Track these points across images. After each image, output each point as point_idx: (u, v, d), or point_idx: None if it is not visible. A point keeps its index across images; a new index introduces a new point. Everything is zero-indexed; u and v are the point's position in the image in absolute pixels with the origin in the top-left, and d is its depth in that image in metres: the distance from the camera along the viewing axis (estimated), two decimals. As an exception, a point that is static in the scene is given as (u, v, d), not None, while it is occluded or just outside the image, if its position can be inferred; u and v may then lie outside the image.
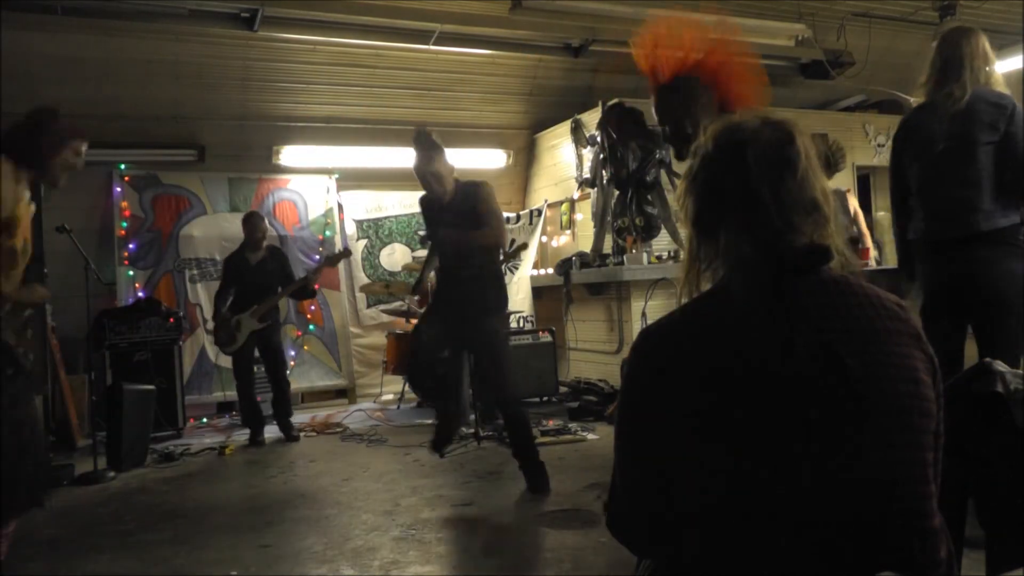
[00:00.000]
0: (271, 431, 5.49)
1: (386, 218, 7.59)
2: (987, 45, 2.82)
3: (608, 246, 6.43)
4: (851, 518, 1.01)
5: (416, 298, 6.23)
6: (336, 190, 7.27)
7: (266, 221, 5.82)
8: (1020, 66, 6.35)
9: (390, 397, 6.97)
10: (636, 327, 5.78)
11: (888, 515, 1.03)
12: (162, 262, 6.51)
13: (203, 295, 6.50)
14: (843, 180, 6.56)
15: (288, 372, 5.89)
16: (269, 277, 5.50)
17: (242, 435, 5.53)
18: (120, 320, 5.56)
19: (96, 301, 5.78)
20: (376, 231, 7.54)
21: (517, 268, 7.09)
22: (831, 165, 5.00)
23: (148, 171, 6.53)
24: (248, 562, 2.95)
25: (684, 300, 1.18)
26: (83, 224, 5.82)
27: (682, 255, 1.26)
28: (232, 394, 5.82)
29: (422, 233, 7.59)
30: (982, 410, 1.59)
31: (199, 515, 3.66)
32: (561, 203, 7.46)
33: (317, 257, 6.95)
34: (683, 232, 1.22)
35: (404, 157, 6.91)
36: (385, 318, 7.19)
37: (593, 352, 6.49)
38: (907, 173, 2.93)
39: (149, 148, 6.51)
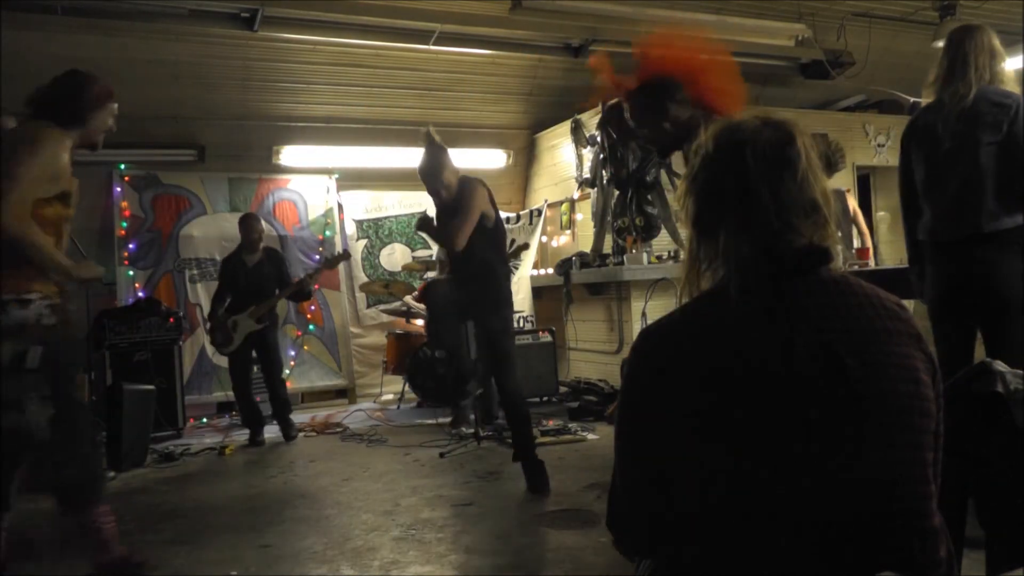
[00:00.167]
0: (271, 431, 5.49)
1: (386, 218, 7.59)
2: (994, 41, 2.80)
3: (608, 246, 6.43)
4: (851, 518, 1.01)
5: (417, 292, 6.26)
6: (336, 190, 7.27)
7: (262, 222, 5.80)
8: (1020, 66, 6.35)
9: (390, 397, 6.97)
10: (636, 327, 5.78)
11: (888, 515, 1.03)
12: (162, 262, 6.51)
13: (203, 295, 6.49)
14: (843, 180, 6.56)
15: (288, 372, 5.89)
16: (265, 280, 5.50)
17: (242, 435, 5.53)
18: (120, 320, 5.56)
19: (96, 301, 5.81)
20: (376, 231, 7.54)
21: (517, 268, 7.09)
22: (831, 165, 5.00)
23: (148, 171, 6.53)
24: (248, 562, 2.95)
25: (684, 300, 1.18)
26: (83, 224, 5.82)
27: (682, 255, 1.26)
28: (232, 394, 5.82)
29: (422, 233, 7.61)
30: (982, 410, 1.59)
31: (199, 515, 3.66)
32: (561, 203, 7.46)
33: (317, 257, 6.95)
34: (683, 232, 1.22)
35: (404, 157, 6.98)
36: (385, 318, 7.19)
37: (593, 352, 6.49)
38: (915, 174, 2.93)
39: (149, 148, 6.51)
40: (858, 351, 1.04)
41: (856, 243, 5.63)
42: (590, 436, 4.95)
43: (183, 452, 5.09)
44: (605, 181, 6.45)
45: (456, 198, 3.70)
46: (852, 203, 6.03)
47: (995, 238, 2.69)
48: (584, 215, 7.14)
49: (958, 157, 2.76)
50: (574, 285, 6.41)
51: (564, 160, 7.37)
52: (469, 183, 3.71)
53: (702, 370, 1.06)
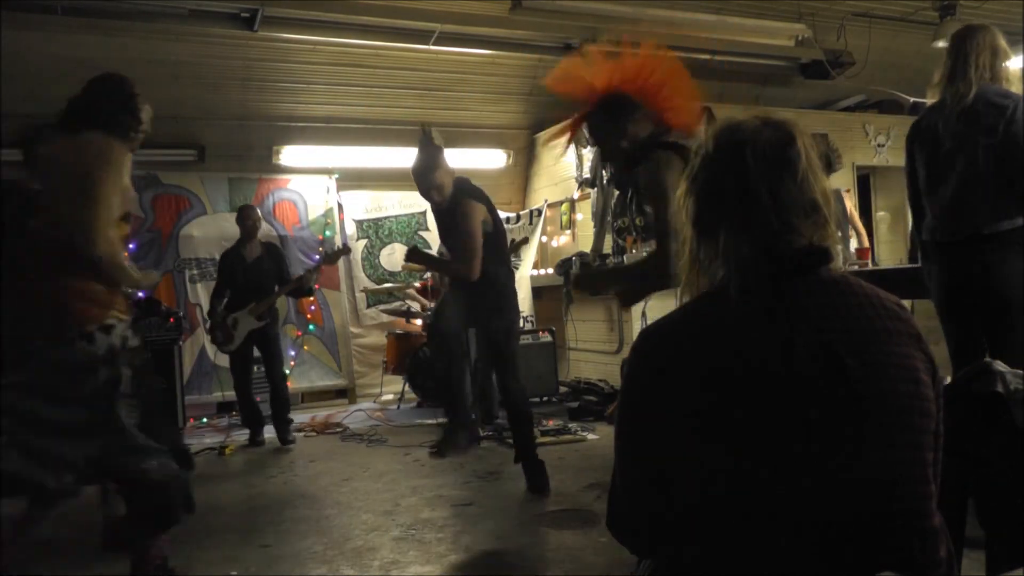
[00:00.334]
0: (271, 431, 5.48)
1: (386, 218, 7.59)
2: (997, 40, 2.81)
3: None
4: (851, 518, 1.01)
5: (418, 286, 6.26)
6: (336, 190, 7.27)
7: (258, 211, 5.74)
8: (1020, 66, 6.35)
9: (390, 397, 6.97)
10: (636, 327, 5.78)
11: (888, 515, 1.03)
12: (162, 262, 6.51)
13: (203, 295, 6.49)
14: (843, 180, 6.56)
15: (288, 372, 5.88)
16: (265, 276, 5.42)
17: (242, 435, 5.52)
18: (120, 320, 5.55)
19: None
20: (376, 231, 7.54)
21: (517, 268, 7.09)
22: (829, 165, 5.00)
23: (148, 171, 6.52)
24: (248, 562, 2.96)
25: (684, 300, 1.18)
26: (83, 224, 5.81)
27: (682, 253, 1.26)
28: (232, 394, 5.82)
29: (422, 233, 7.62)
30: (982, 410, 1.59)
31: (199, 515, 3.60)
32: (561, 203, 7.46)
33: (317, 257, 6.94)
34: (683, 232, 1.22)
35: (404, 157, 6.93)
36: (385, 318, 7.19)
37: (593, 352, 6.49)
38: (919, 174, 2.94)
39: (149, 148, 6.47)
40: (858, 351, 1.04)
41: (853, 243, 5.62)
42: (590, 436, 4.96)
43: (183, 452, 5.09)
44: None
45: (451, 210, 3.65)
46: (848, 203, 6.03)
47: (995, 239, 2.69)
48: (584, 215, 7.14)
49: (958, 157, 2.76)
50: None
51: (564, 160, 7.37)
52: (463, 201, 3.62)
53: (702, 370, 1.06)
